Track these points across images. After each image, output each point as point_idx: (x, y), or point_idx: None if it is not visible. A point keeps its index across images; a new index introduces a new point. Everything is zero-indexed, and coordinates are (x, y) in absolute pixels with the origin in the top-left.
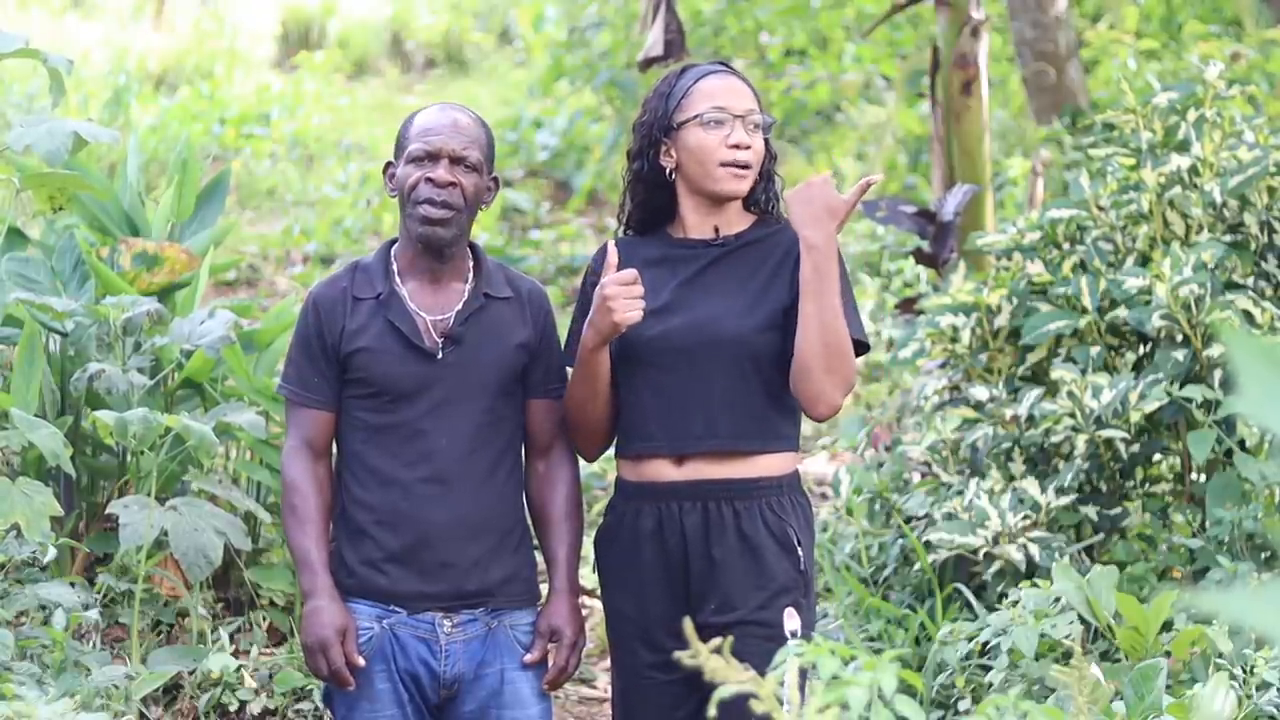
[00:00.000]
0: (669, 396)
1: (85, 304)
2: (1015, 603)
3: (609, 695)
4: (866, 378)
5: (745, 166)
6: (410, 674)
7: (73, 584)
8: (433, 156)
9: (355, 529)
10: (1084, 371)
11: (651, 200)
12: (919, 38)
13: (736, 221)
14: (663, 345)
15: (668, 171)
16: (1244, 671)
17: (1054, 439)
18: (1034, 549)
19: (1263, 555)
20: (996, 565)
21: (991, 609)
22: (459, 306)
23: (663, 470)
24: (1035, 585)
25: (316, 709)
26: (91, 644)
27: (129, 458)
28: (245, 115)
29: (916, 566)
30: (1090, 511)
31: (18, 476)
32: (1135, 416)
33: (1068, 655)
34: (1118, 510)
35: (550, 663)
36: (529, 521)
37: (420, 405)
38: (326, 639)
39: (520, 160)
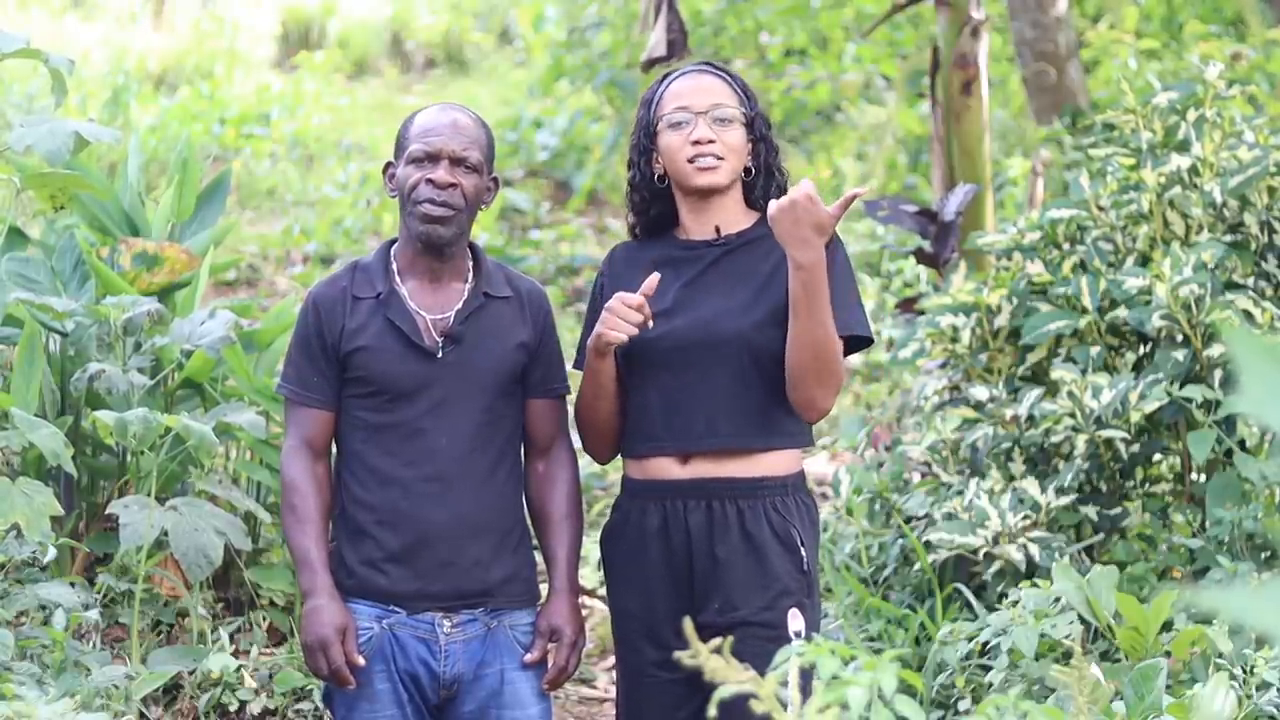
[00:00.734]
0: (672, 396)
1: (85, 304)
2: (1015, 603)
3: (609, 695)
4: (866, 378)
5: (714, 159)
6: (410, 674)
7: (73, 584)
8: (433, 157)
9: (355, 529)
10: (1084, 371)
11: (652, 206)
12: (919, 38)
13: (739, 220)
14: (666, 345)
15: (657, 177)
16: (1244, 671)
17: (1054, 439)
18: (1034, 549)
19: (1263, 555)
20: (996, 565)
21: (991, 609)
22: (459, 306)
23: (668, 469)
24: (1035, 585)
25: (316, 709)
26: (91, 644)
27: (129, 458)
28: (245, 115)
29: (916, 566)
30: (1090, 511)
31: (18, 476)
32: (1135, 416)
33: (1068, 655)
34: (1118, 510)
35: (550, 663)
36: (529, 521)
37: (420, 404)
38: (326, 638)
39: (520, 160)
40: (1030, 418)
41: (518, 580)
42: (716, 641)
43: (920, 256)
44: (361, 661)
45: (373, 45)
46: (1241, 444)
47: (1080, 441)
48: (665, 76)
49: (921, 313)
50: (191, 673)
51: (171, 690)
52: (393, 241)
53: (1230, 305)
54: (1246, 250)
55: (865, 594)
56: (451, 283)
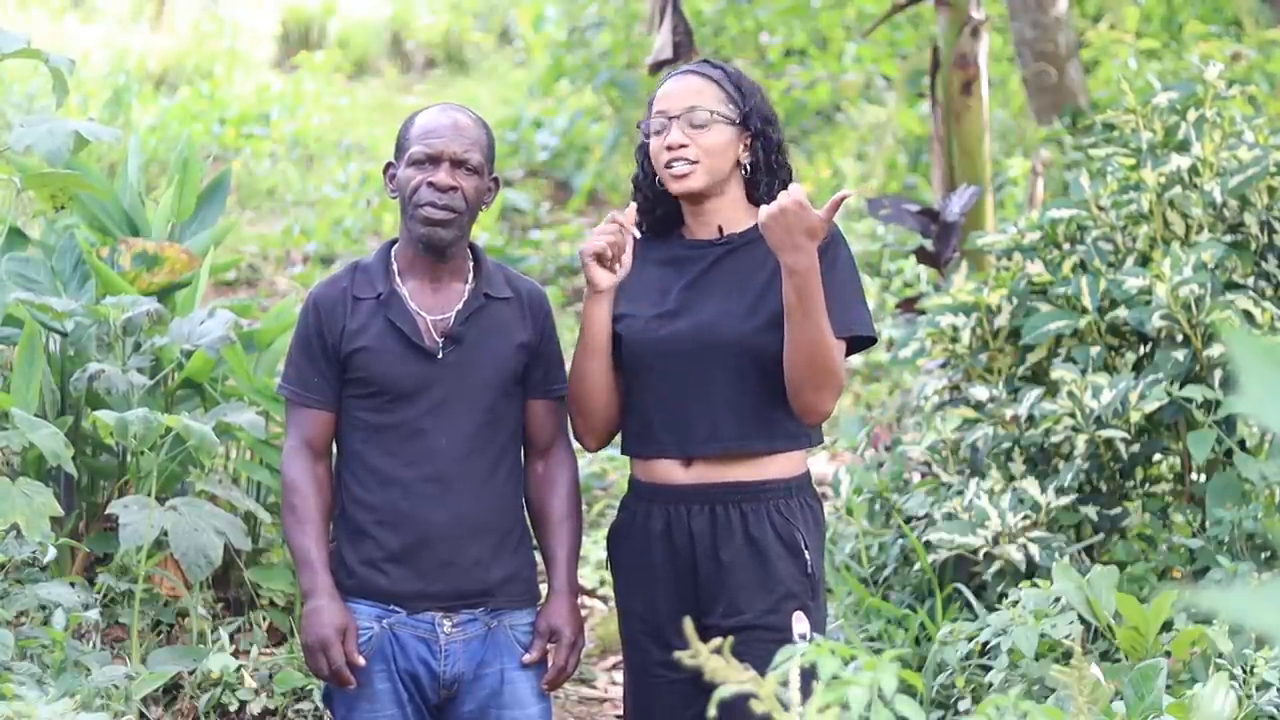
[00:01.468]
0: (673, 400)
1: (85, 304)
2: (1015, 603)
3: (609, 695)
4: (866, 378)
5: (687, 163)
6: (410, 674)
7: (73, 584)
8: (434, 160)
9: (355, 529)
10: (1084, 371)
11: (656, 207)
12: (919, 38)
13: (741, 218)
14: (666, 349)
15: (657, 179)
16: (1244, 671)
17: (1054, 439)
18: (1034, 549)
19: (1263, 555)
20: (996, 565)
21: (991, 609)
22: (459, 306)
23: (671, 473)
24: (1035, 585)
25: (316, 709)
26: (91, 644)
27: (129, 458)
28: (245, 115)
29: (916, 566)
30: (1090, 511)
31: (18, 476)
32: (1135, 416)
33: (1068, 655)
34: (1118, 510)
35: (550, 663)
36: (528, 522)
37: (420, 405)
38: (327, 638)
39: (520, 160)
40: (1030, 418)
41: (518, 580)
42: (717, 641)
43: (921, 256)
44: (362, 662)
45: (373, 45)
46: (1241, 444)
47: (1080, 441)
48: (666, 78)
49: (922, 312)
50: (191, 673)
51: (171, 690)
52: (393, 242)
53: (1230, 305)
54: (1246, 250)
55: (865, 594)
56: (452, 283)
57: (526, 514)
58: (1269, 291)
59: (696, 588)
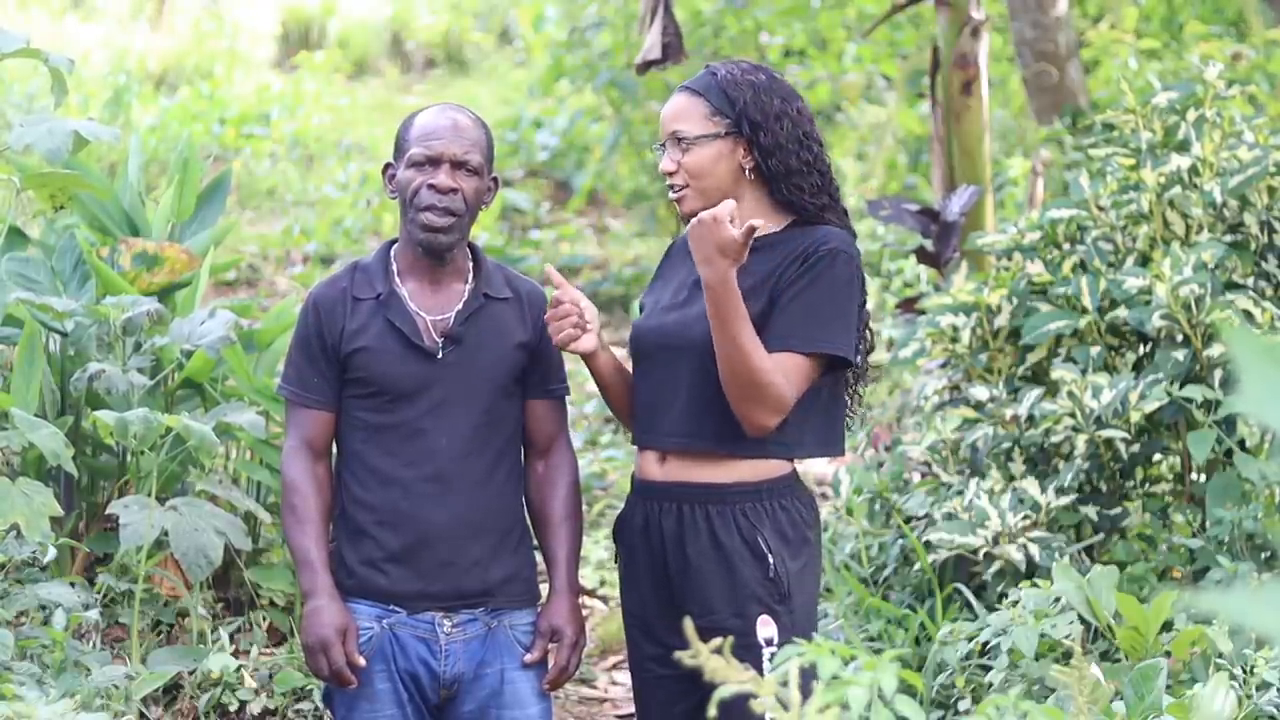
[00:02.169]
0: (650, 392)
1: (85, 304)
2: (1015, 603)
3: (609, 695)
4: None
5: (677, 189)
6: (410, 674)
7: (73, 584)
8: (434, 161)
9: (355, 529)
10: (1084, 371)
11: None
12: (919, 38)
13: (769, 221)
14: (649, 341)
15: None
16: (1244, 671)
17: (1054, 439)
18: (1034, 549)
19: (1263, 555)
20: (996, 565)
21: (991, 609)
22: (459, 306)
23: (649, 468)
24: (1035, 585)
25: (316, 709)
26: (91, 644)
27: (129, 458)
28: (245, 115)
29: (916, 566)
30: (1090, 511)
31: (18, 476)
32: (1135, 416)
33: (1068, 655)
34: (1118, 510)
35: (550, 663)
36: (529, 522)
37: (420, 405)
38: (327, 639)
39: (520, 160)
40: (1030, 418)
41: (518, 580)
42: (717, 641)
43: (921, 256)
44: (362, 662)
45: (373, 45)
46: (1241, 444)
47: (1080, 441)
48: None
49: (922, 312)
50: (191, 673)
51: (171, 690)
52: (393, 242)
53: (1230, 305)
54: (1246, 250)
55: (865, 594)
56: (451, 284)
57: (527, 514)
58: (1269, 291)
59: (669, 585)
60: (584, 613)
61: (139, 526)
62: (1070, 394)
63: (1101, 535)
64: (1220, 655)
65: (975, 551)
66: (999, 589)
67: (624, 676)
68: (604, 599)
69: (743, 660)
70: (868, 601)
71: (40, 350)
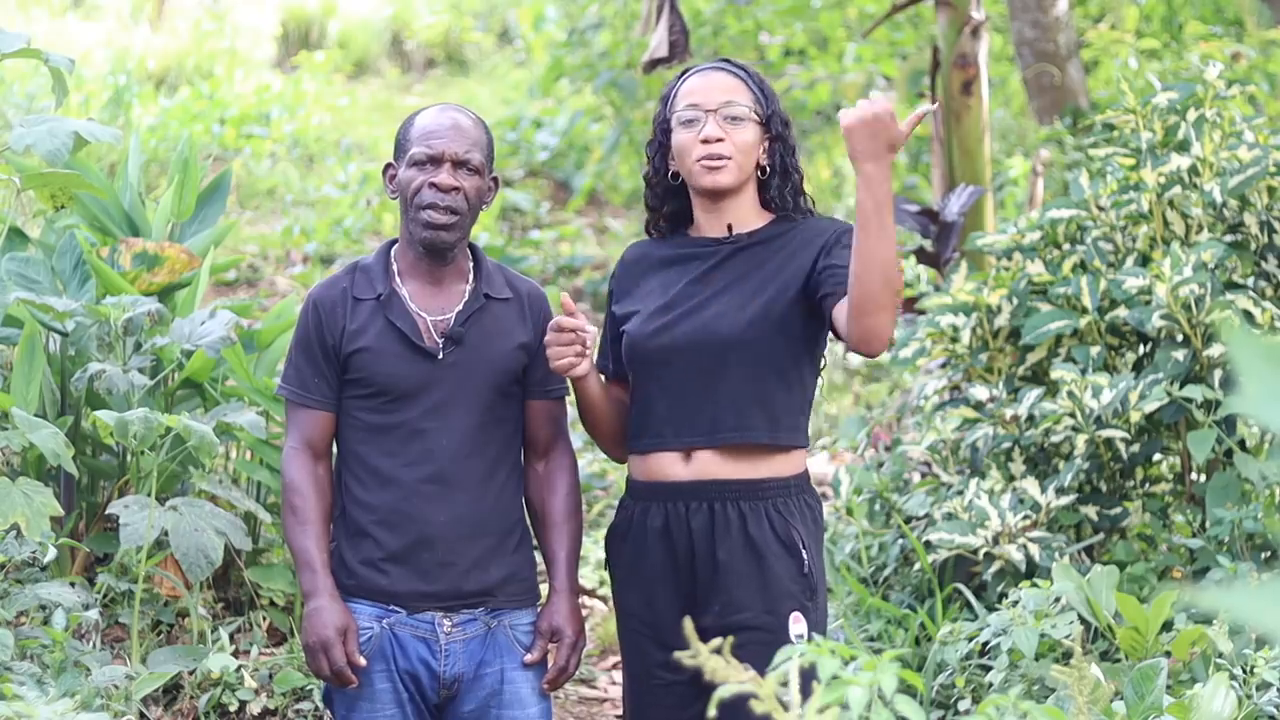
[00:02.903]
0: (674, 393)
1: (85, 304)
2: (1015, 603)
3: (609, 695)
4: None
5: (722, 158)
6: (410, 674)
7: (73, 584)
8: (435, 161)
9: (355, 529)
10: (1084, 371)
11: (666, 203)
12: (919, 38)
13: (752, 219)
14: (665, 343)
15: (671, 174)
16: (1244, 671)
17: (1054, 439)
18: (1034, 549)
19: (1263, 555)
20: (996, 565)
21: (991, 609)
22: (459, 307)
23: (670, 468)
24: (1035, 585)
25: (316, 709)
26: (91, 644)
27: (129, 458)
28: (245, 115)
29: (916, 566)
30: (1090, 511)
31: (18, 476)
32: (1135, 416)
33: (1068, 655)
34: (1118, 510)
35: (550, 663)
36: (528, 522)
37: (420, 405)
38: (328, 639)
39: (520, 160)
40: (1030, 418)
41: (517, 580)
42: (717, 642)
43: (921, 256)
44: (363, 662)
45: (373, 45)
46: (1241, 444)
47: (1080, 441)
48: (684, 73)
49: (922, 312)
50: (191, 673)
51: (171, 690)
52: (393, 242)
53: (1230, 305)
54: (1246, 250)
55: (865, 594)
56: (452, 284)
57: (527, 514)
58: (1269, 291)
59: (694, 586)
60: (584, 613)
61: (139, 526)
62: (1070, 394)
63: (1101, 535)
64: (1220, 655)
65: (975, 551)
66: (999, 589)
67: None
68: (604, 599)
69: (773, 658)
70: (868, 601)
71: (40, 350)
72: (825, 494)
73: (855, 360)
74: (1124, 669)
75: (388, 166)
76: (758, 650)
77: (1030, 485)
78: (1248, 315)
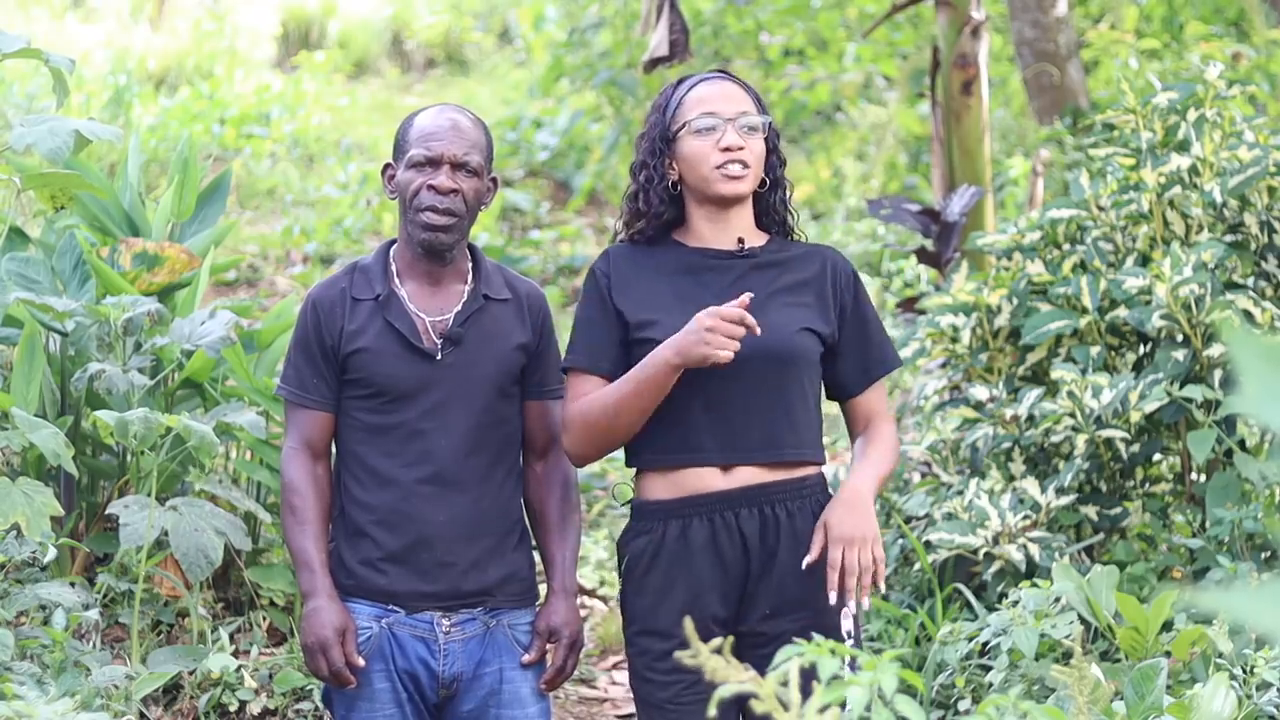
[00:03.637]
0: (722, 408)
1: (85, 304)
2: (1015, 603)
3: (609, 695)
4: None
5: (743, 165)
6: (409, 673)
7: (73, 584)
8: (434, 162)
9: (354, 529)
10: (1084, 371)
11: (664, 212)
12: (919, 38)
13: (754, 231)
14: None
15: (672, 184)
16: (1244, 671)
17: (1054, 439)
18: (1034, 549)
19: (1263, 555)
20: (996, 565)
21: (991, 609)
22: (458, 307)
23: (709, 480)
24: (1035, 585)
25: (316, 709)
26: (91, 644)
27: (129, 458)
28: (245, 115)
29: (916, 566)
30: (1090, 511)
31: (18, 476)
32: (1135, 416)
33: (1068, 655)
34: (1118, 510)
35: (548, 663)
36: (527, 522)
37: (419, 406)
38: (326, 639)
39: (520, 160)
40: (1030, 418)
41: (516, 580)
42: (716, 642)
43: (922, 256)
44: (361, 662)
45: (373, 45)
46: (1241, 444)
47: (1080, 441)
48: (680, 82)
49: (922, 312)
50: (191, 673)
51: (171, 690)
52: (391, 243)
53: (1230, 305)
54: (1246, 250)
55: None
56: (451, 285)
57: (525, 514)
58: (1269, 291)
59: (742, 592)
60: (583, 613)
61: (139, 526)
62: (1070, 394)
63: (1101, 535)
64: (1220, 655)
65: (975, 551)
66: (999, 589)
67: (624, 676)
68: (604, 599)
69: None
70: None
71: (40, 350)
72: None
73: None
74: (1124, 669)
75: (386, 167)
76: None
77: (1030, 485)
78: (1248, 315)
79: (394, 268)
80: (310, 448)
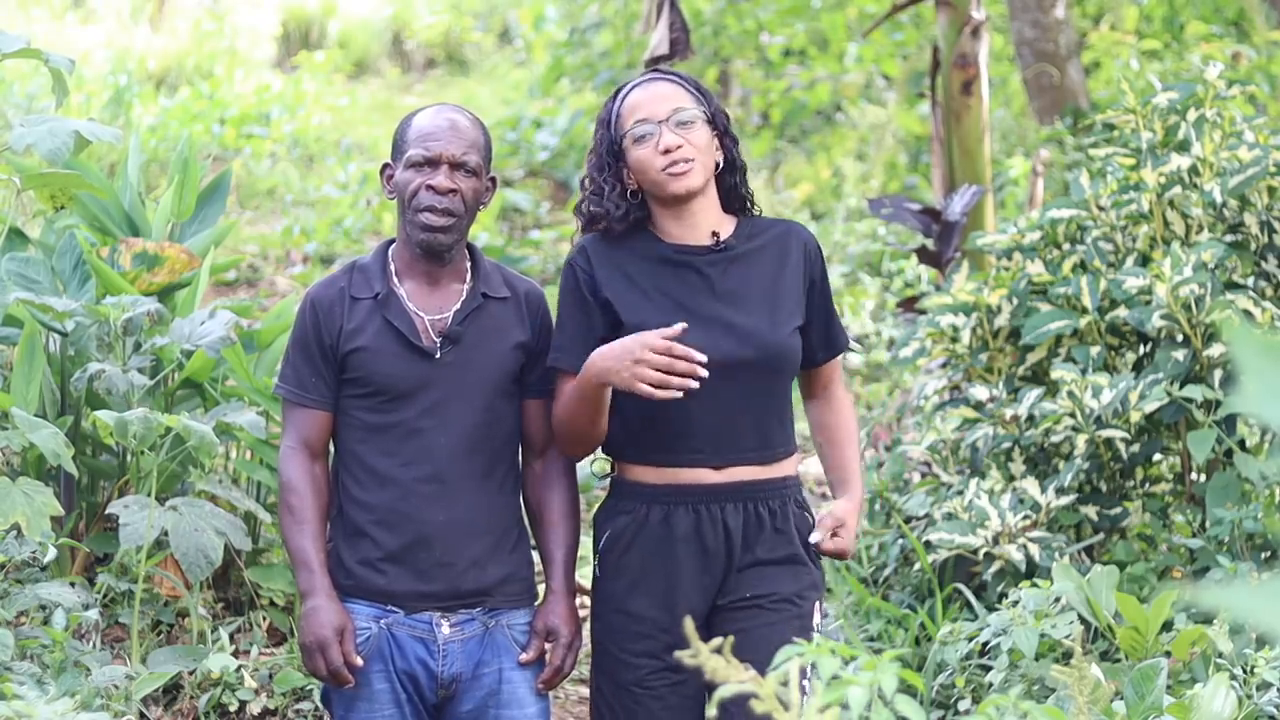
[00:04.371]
0: (721, 411)
1: (85, 304)
2: (1015, 603)
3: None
4: (867, 378)
5: (686, 162)
6: (408, 674)
7: (73, 584)
8: (433, 162)
9: (353, 529)
10: (1084, 371)
11: (630, 214)
12: (919, 38)
13: (724, 221)
14: (717, 362)
15: (629, 192)
16: (1244, 671)
17: (1054, 439)
18: (1034, 549)
19: (1263, 555)
20: (996, 565)
21: (991, 609)
22: (457, 306)
23: (703, 475)
24: (1035, 585)
25: (316, 709)
26: (91, 644)
27: (129, 458)
28: (245, 115)
29: (916, 566)
30: (1090, 511)
31: (18, 476)
32: (1135, 416)
33: (1068, 655)
34: (1118, 510)
35: (546, 662)
36: (526, 522)
37: (418, 405)
38: (325, 639)
39: (520, 160)
40: (1030, 418)
41: (515, 580)
42: (717, 641)
43: (922, 256)
44: (360, 662)
45: (373, 45)
46: (1241, 444)
47: (1080, 441)
48: (616, 94)
49: (922, 312)
50: (191, 673)
51: (171, 690)
52: (390, 242)
53: (1230, 305)
54: (1246, 250)
55: (865, 594)
56: (450, 284)
57: (525, 514)
58: (1269, 291)
59: (724, 580)
60: (582, 613)
61: (139, 526)
62: (1070, 394)
63: (1101, 535)
64: (1220, 655)
65: (975, 551)
66: (999, 589)
67: None
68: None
69: (798, 634)
70: (868, 601)
71: (40, 350)
72: (825, 494)
73: (854, 360)
74: (1124, 669)
75: (385, 167)
76: (786, 626)
77: (1030, 485)
78: (1248, 315)
79: (393, 267)
80: (309, 447)
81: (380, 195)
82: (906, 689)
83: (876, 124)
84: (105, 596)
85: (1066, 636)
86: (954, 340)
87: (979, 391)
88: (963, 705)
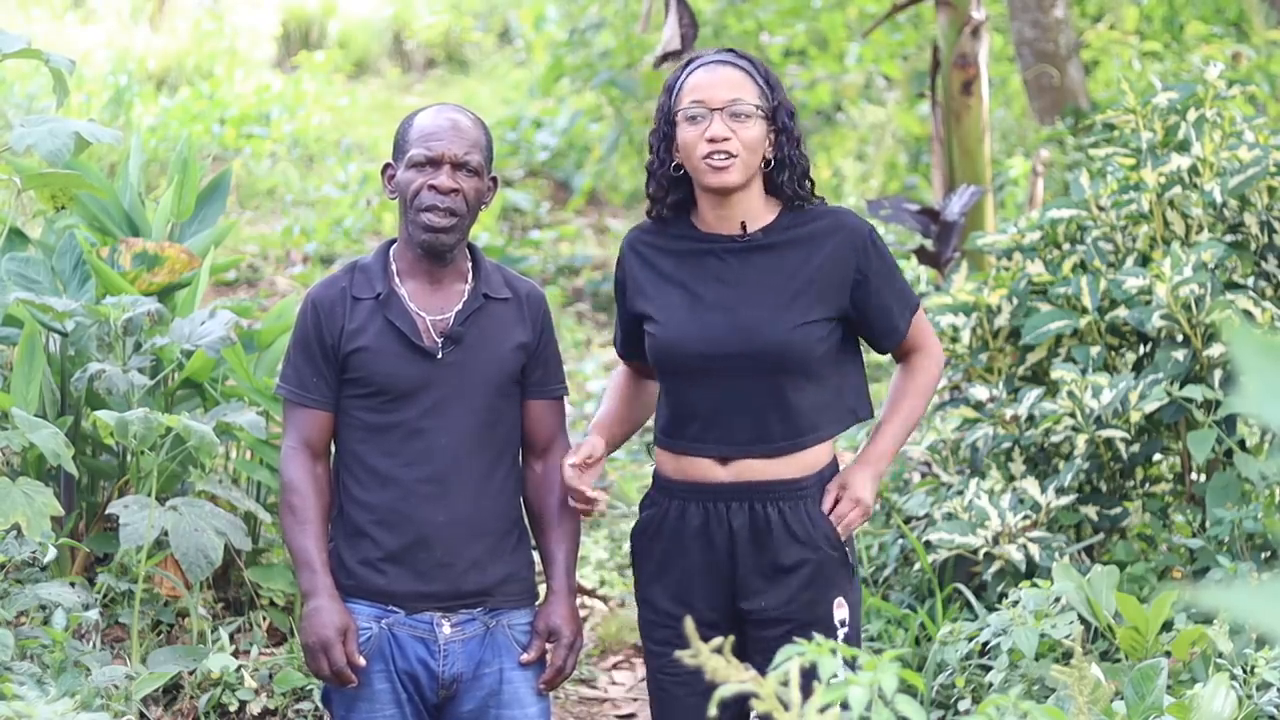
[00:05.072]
0: (715, 401)
1: (85, 304)
2: (1015, 603)
3: (609, 695)
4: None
5: (728, 156)
6: (409, 674)
7: (73, 584)
8: (434, 162)
9: (354, 529)
10: (1084, 371)
11: (670, 193)
12: (919, 38)
13: (761, 213)
14: (707, 351)
15: (674, 166)
16: (1244, 671)
17: (1054, 439)
18: (1034, 549)
19: (1263, 555)
20: (996, 565)
21: (991, 609)
22: (458, 307)
23: (708, 470)
24: (1035, 585)
25: (316, 709)
26: (91, 644)
27: (129, 458)
28: (245, 115)
29: (916, 566)
30: (1090, 511)
31: (18, 476)
32: (1135, 416)
33: (1068, 655)
34: (1118, 510)
35: (547, 662)
36: (527, 522)
37: (419, 405)
38: (327, 639)
39: (520, 160)
40: (1030, 418)
41: (516, 580)
42: (717, 641)
43: (922, 256)
44: (362, 662)
45: (373, 45)
46: (1241, 444)
47: (1080, 441)
48: (687, 64)
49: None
50: (191, 673)
51: (171, 690)
52: (391, 242)
53: (1230, 305)
54: (1246, 250)
55: (865, 594)
56: (451, 284)
57: (525, 514)
58: (1269, 291)
59: (735, 581)
60: (583, 613)
61: (139, 526)
62: (1070, 394)
63: (1101, 535)
64: (1220, 655)
65: (975, 551)
66: (999, 589)
67: (624, 676)
68: (604, 599)
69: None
70: (868, 601)
71: (40, 350)
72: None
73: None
74: (1124, 669)
75: (386, 167)
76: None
77: (1030, 485)
78: (1248, 315)
79: (394, 267)
80: (310, 447)
81: (380, 195)
82: (906, 689)
83: (876, 124)
84: (105, 596)
85: (1066, 636)
86: (954, 340)
87: (979, 391)
88: (963, 705)
